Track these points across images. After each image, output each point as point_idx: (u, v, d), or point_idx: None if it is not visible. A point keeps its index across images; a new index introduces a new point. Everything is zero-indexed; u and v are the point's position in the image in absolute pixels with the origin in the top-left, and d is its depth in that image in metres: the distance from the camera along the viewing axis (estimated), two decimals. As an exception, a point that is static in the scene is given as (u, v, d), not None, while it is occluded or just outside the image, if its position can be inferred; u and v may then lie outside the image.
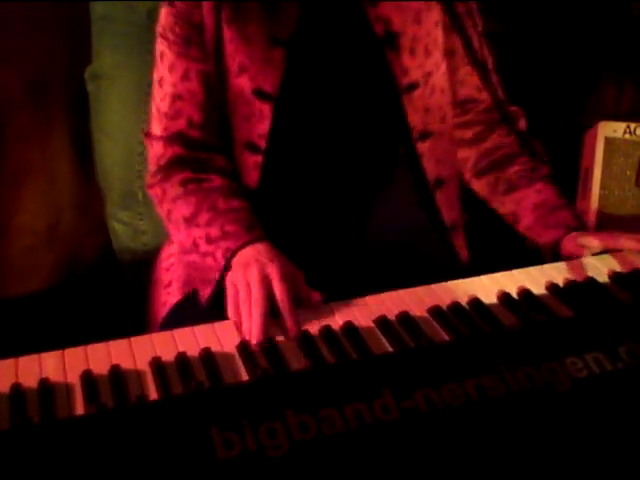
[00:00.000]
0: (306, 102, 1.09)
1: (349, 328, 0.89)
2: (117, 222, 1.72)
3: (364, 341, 0.86)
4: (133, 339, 0.87)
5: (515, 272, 1.02)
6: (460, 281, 0.99)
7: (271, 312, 0.89)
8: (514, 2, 1.86)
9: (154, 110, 1.12)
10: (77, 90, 1.61)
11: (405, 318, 0.90)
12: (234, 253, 0.96)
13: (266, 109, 1.06)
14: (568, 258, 1.07)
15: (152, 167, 1.13)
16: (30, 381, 0.80)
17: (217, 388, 0.79)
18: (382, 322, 0.90)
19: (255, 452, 0.68)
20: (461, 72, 1.17)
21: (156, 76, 1.11)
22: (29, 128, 1.58)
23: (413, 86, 1.10)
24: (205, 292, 1.01)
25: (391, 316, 0.91)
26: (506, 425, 0.74)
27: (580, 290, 0.97)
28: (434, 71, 1.12)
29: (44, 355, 0.84)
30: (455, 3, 1.12)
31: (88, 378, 0.80)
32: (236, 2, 1.05)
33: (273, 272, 0.90)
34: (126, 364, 0.83)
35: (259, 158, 1.09)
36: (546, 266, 1.03)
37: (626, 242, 1.02)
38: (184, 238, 1.06)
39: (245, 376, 0.82)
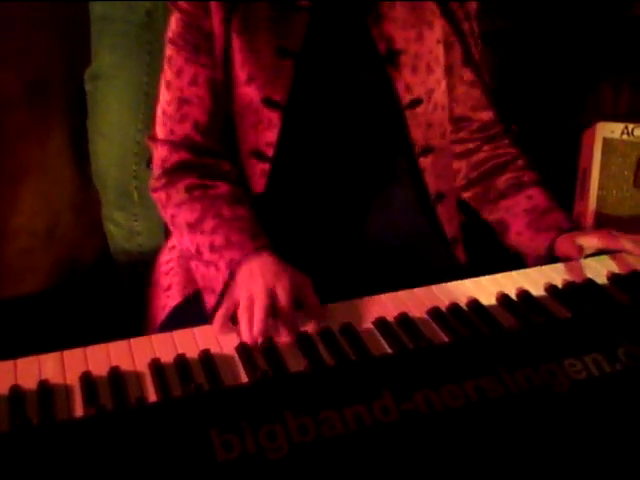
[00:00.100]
0: (313, 112, 1.10)
1: (348, 329, 0.89)
2: (112, 223, 1.72)
3: (363, 343, 0.86)
4: (132, 340, 0.87)
5: (514, 273, 1.02)
6: (459, 282, 0.99)
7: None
8: (513, 1, 1.86)
9: (160, 113, 1.12)
10: (76, 91, 1.61)
11: (404, 319, 0.90)
12: (239, 264, 0.96)
13: (275, 117, 1.07)
14: (565, 259, 1.07)
15: (156, 171, 1.13)
16: (29, 383, 0.80)
17: (216, 390, 0.79)
18: (381, 323, 0.90)
19: (254, 454, 0.68)
20: (457, 91, 1.19)
21: (163, 80, 1.12)
22: (27, 128, 1.57)
23: (416, 102, 1.11)
24: (210, 301, 1.01)
25: (390, 317, 0.91)
26: (505, 426, 0.74)
27: (579, 292, 0.97)
28: (436, 88, 1.14)
29: (43, 357, 0.84)
30: (460, 20, 1.13)
31: (87, 380, 0.80)
32: (246, 14, 1.07)
33: (278, 283, 0.91)
34: (125, 366, 0.83)
35: (266, 166, 1.10)
36: (545, 267, 1.03)
37: (626, 244, 1.03)
38: (187, 244, 1.06)
39: (244, 378, 0.82)
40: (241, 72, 1.07)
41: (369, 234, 1.16)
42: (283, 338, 0.88)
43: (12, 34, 1.49)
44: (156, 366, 0.82)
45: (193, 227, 1.04)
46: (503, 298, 0.95)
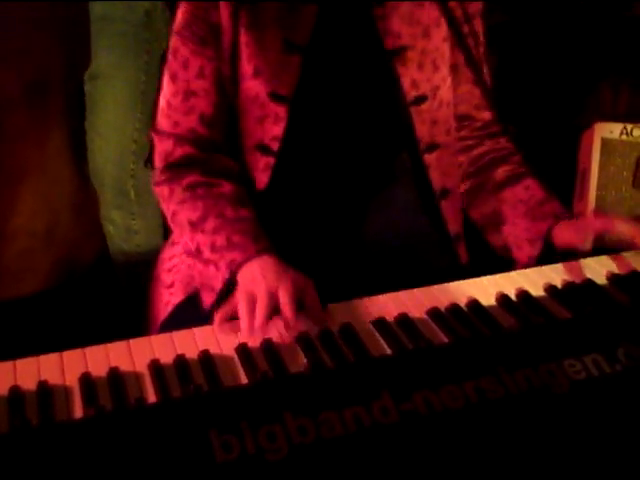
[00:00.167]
0: (319, 106, 1.10)
1: (348, 330, 0.89)
2: (110, 223, 1.72)
3: (363, 343, 0.86)
4: (132, 341, 0.87)
5: (513, 274, 1.02)
6: (459, 283, 0.99)
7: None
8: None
9: (164, 105, 1.12)
10: (76, 91, 1.61)
11: (404, 320, 0.90)
12: (240, 266, 0.96)
13: (282, 111, 1.07)
14: (563, 251, 1.06)
15: (159, 164, 1.13)
16: (29, 383, 0.80)
17: (216, 391, 0.79)
18: (381, 324, 0.90)
19: (254, 455, 0.68)
20: (461, 89, 1.19)
21: (167, 71, 1.11)
22: (27, 129, 1.57)
23: (421, 99, 1.11)
24: (207, 299, 1.01)
25: (390, 318, 0.91)
26: (505, 427, 0.74)
27: (578, 292, 0.97)
28: (441, 85, 1.14)
29: (43, 357, 0.84)
30: (460, 23, 1.13)
31: (87, 380, 0.80)
32: (254, 7, 1.06)
33: (281, 288, 0.91)
34: (125, 366, 0.83)
35: (271, 160, 1.09)
36: (544, 268, 1.03)
37: (619, 226, 1.02)
38: (187, 241, 1.06)
39: (244, 379, 0.82)
40: (248, 66, 1.07)
41: (369, 233, 1.16)
42: (284, 339, 0.88)
43: (12, 34, 1.49)
44: (155, 367, 0.82)
45: (195, 226, 1.04)
46: (503, 298, 0.95)
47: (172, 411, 0.74)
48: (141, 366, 0.83)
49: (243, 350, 0.85)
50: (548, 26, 1.92)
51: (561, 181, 1.81)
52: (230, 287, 0.96)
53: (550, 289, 0.98)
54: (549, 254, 1.09)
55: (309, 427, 0.71)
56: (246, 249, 0.97)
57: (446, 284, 0.98)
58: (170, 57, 1.10)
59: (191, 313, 1.03)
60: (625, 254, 1.05)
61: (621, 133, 1.72)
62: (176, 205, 1.08)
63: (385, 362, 0.82)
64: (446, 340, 0.87)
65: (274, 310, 0.90)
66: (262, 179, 1.10)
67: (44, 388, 0.79)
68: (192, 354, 0.85)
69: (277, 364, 0.83)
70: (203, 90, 1.08)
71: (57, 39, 1.58)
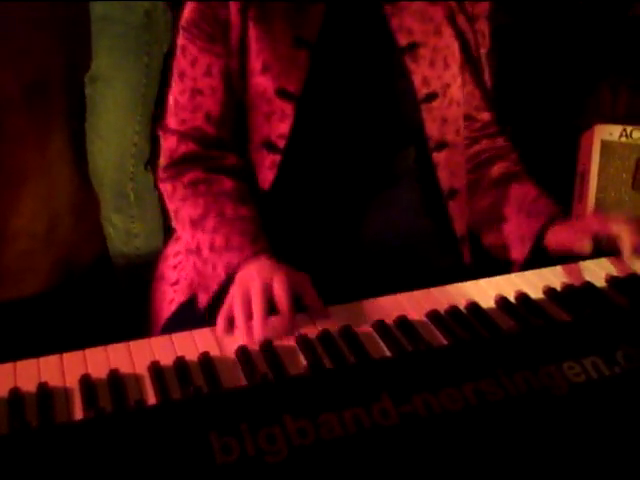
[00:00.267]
0: (327, 104, 1.10)
1: (347, 332, 0.89)
2: (110, 225, 1.72)
3: (362, 345, 0.86)
4: (132, 343, 0.87)
5: (513, 276, 1.02)
6: (458, 285, 0.99)
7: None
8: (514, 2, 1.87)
9: (171, 102, 1.12)
10: (76, 93, 1.61)
11: (403, 322, 0.91)
12: (237, 267, 0.96)
13: (288, 109, 1.06)
14: (560, 253, 1.07)
15: (164, 161, 1.13)
16: (28, 385, 0.80)
17: (216, 393, 0.79)
18: (380, 326, 0.90)
19: (254, 457, 0.68)
20: (466, 89, 1.19)
21: (176, 69, 1.11)
22: (27, 130, 1.58)
23: (432, 96, 1.11)
24: (203, 299, 1.01)
25: (389, 320, 0.91)
26: (504, 429, 0.74)
27: (578, 294, 0.97)
28: (452, 83, 1.13)
29: (43, 359, 0.84)
30: (460, 22, 1.13)
31: (87, 382, 0.80)
32: (263, 2, 1.06)
33: (275, 280, 0.91)
34: (125, 368, 0.83)
35: (277, 157, 1.09)
36: (544, 270, 1.03)
37: (615, 228, 1.01)
38: (189, 239, 1.06)
39: (244, 381, 0.82)
40: (256, 61, 1.06)
41: (373, 234, 1.15)
42: (282, 334, 0.87)
43: (12, 34, 1.49)
44: (155, 369, 0.82)
45: (195, 224, 1.04)
46: (502, 301, 0.95)
47: (172, 413, 0.74)
48: (141, 368, 0.83)
49: (243, 352, 0.85)
50: (548, 27, 1.92)
51: (561, 183, 1.81)
52: (225, 289, 0.96)
53: (549, 292, 0.98)
54: (539, 254, 1.09)
55: (309, 429, 0.71)
56: (243, 251, 0.98)
57: (445, 286, 0.98)
58: (178, 54, 1.10)
59: (195, 312, 1.03)
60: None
61: (620, 135, 1.73)
62: (178, 202, 1.08)
63: (385, 364, 0.82)
64: (445, 342, 0.87)
65: (271, 309, 0.90)
66: (268, 177, 1.10)
67: (44, 390, 0.79)
68: (192, 356, 0.85)
69: (277, 366, 0.83)
70: (210, 88, 1.08)
71: (57, 39, 1.58)
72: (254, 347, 0.86)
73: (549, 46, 1.92)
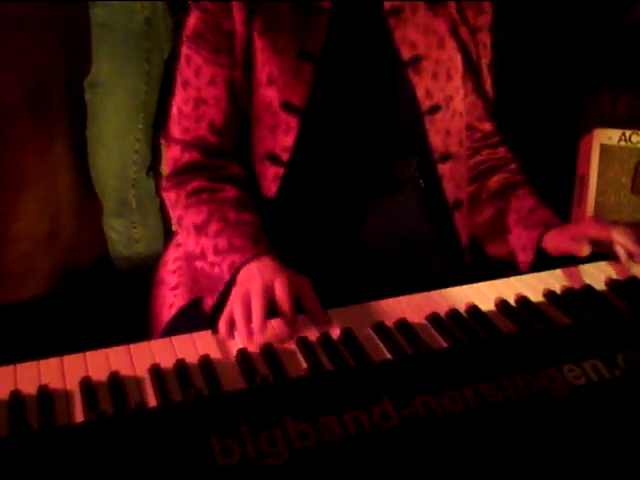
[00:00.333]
0: (332, 117, 1.10)
1: (347, 335, 0.89)
2: (112, 230, 1.72)
3: (362, 348, 0.87)
4: (132, 346, 0.87)
5: (513, 279, 1.02)
6: (458, 288, 0.99)
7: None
8: (513, 10, 1.87)
9: (175, 112, 1.12)
10: (78, 98, 1.61)
11: (403, 325, 0.91)
12: (239, 268, 0.97)
13: (293, 122, 1.06)
14: (558, 257, 1.07)
15: (167, 170, 1.14)
16: (29, 388, 0.80)
17: (216, 395, 0.79)
18: (380, 329, 0.90)
19: (255, 460, 0.68)
20: (468, 99, 1.20)
21: (180, 78, 1.11)
22: (28, 134, 1.58)
23: (435, 108, 1.12)
24: (209, 301, 1.01)
25: (389, 323, 0.91)
26: (504, 432, 0.74)
27: (578, 298, 0.97)
28: (454, 95, 1.14)
29: (43, 362, 0.84)
30: (463, 35, 1.13)
31: (87, 385, 0.80)
32: (267, 14, 1.06)
33: (276, 281, 0.91)
34: (125, 371, 0.83)
35: (280, 170, 1.09)
36: (544, 273, 1.04)
37: (615, 235, 1.02)
38: (193, 245, 1.06)
39: (244, 383, 0.82)
40: (262, 73, 1.07)
41: (373, 237, 1.16)
42: (283, 336, 0.87)
43: (12, 34, 1.50)
44: (156, 371, 0.82)
45: (199, 229, 1.05)
46: (502, 304, 0.96)
47: (173, 415, 0.74)
48: (141, 370, 0.83)
49: (243, 354, 0.85)
50: (547, 34, 1.93)
51: (560, 187, 1.82)
52: (230, 289, 0.97)
53: (549, 295, 0.98)
54: (543, 261, 1.09)
55: (309, 431, 0.71)
56: (245, 251, 0.98)
57: (446, 289, 0.99)
58: (182, 63, 1.10)
59: (195, 316, 1.04)
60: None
61: (620, 139, 1.73)
62: (182, 210, 1.09)
63: (385, 367, 0.83)
64: (446, 345, 0.88)
65: (272, 311, 0.90)
66: (271, 188, 1.10)
67: (45, 392, 0.79)
68: (192, 359, 0.85)
69: (277, 368, 0.83)
70: (214, 98, 1.08)
71: (57, 39, 1.59)
72: (254, 349, 0.87)
73: (549, 51, 1.93)
